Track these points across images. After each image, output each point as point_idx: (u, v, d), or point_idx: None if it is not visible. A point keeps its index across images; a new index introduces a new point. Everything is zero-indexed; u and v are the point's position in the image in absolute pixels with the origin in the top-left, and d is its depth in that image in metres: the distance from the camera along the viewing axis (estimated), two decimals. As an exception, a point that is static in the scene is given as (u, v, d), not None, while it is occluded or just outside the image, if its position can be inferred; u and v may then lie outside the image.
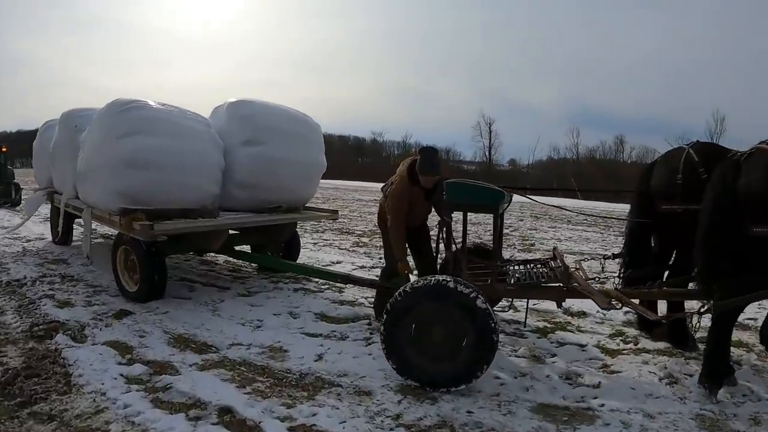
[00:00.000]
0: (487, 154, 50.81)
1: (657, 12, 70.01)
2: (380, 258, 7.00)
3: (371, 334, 3.98)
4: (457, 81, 79.17)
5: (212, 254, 6.51)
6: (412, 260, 4.20)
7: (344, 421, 2.67)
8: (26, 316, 4.25)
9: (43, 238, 8.25)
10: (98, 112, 4.97)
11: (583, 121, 76.00)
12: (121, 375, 3.14)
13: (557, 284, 3.46)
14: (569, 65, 74.32)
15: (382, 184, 4.24)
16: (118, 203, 4.54)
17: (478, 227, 10.71)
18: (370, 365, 3.37)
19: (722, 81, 60.06)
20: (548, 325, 4.35)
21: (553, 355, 3.67)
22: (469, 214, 3.57)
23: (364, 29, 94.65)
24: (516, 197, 3.97)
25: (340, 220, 9.18)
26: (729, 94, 60.34)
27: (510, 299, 4.23)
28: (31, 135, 9.72)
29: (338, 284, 5.32)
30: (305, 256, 6.86)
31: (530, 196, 4.56)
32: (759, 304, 4.21)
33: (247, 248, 6.01)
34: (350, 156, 50.40)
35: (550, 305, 4.10)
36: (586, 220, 13.53)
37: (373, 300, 4.63)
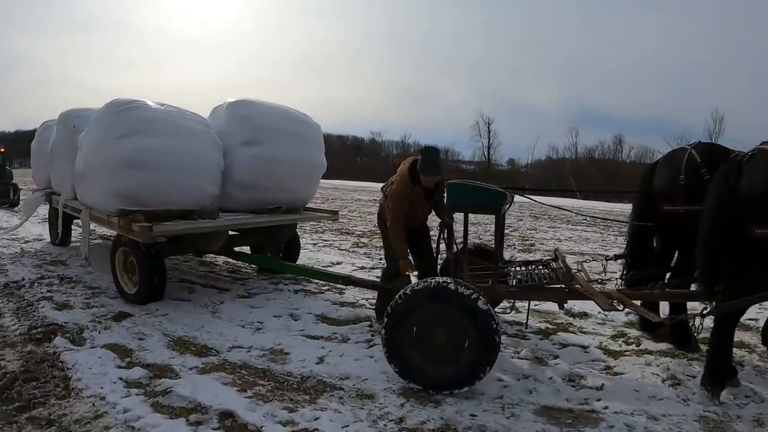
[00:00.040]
0: (485, 153, 50.97)
1: (657, 12, 70.25)
2: (380, 258, 6.99)
3: (372, 336, 3.96)
4: (457, 81, 79.41)
5: (212, 255, 6.49)
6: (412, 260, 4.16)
7: (347, 426, 2.64)
8: (24, 319, 4.22)
9: (41, 239, 8.22)
10: (97, 113, 4.93)
11: (583, 121, 76.31)
12: (121, 379, 3.11)
13: (559, 285, 3.45)
14: (569, 65, 74.57)
15: (381, 184, 4.21)
16: (117, 204, 4.51)
17: (478, 227, 10.70)
18: (372, 368, 3.35)
19: (722, 81, 60.38)
20: (550, 327, 4.33)
21: (556, 357, 3.65)
22: (469, 214, 3.55)
23: (364, 29, 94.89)
24: (516, 197, 3.95)
25: (339, 220, 9.14)
26: (728, 94, 60.67)
27: (512, 300, 4.22)
28: (29, 135, 9.69)
29: (339, 285, 5.30)
30: (305, 257, 6.84)
31: (530, 196, 4.54)
32: (760, 305, 4.20)
33: (246, 249, 5.98)
34: (349, 156, 50.39)
35: (551, 306, 4.10)
36: (585, 219, 13.52)
37: (374, 301, 4.60)
